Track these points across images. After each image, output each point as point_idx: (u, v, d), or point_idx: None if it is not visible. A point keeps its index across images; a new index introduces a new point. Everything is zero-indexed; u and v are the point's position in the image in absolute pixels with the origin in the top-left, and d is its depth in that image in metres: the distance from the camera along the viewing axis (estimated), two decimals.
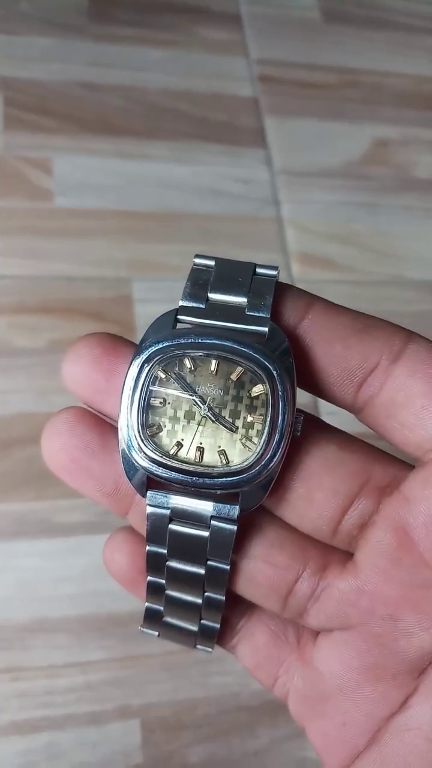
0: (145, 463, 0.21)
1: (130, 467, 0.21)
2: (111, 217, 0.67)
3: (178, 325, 0.21)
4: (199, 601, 0.23)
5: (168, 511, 0.21)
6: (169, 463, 0.21)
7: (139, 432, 0.21)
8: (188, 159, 0.72)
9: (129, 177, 0.70)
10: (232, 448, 0.21)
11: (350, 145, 0.78)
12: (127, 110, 0.73)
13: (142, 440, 0.21)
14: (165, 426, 0.21)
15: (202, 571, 0.22)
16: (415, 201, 0.76)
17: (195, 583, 0.22)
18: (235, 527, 0.21)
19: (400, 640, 0.21)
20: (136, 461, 0.21)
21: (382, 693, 0.21)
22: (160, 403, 0.21)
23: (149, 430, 0.21)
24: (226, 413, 0.21)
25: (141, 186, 0.69)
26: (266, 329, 0.21)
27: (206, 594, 0.23)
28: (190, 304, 0.21)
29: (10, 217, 0.65)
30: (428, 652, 0.21)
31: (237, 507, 0.21)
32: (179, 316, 0.21)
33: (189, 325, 0.21)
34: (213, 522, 0.21)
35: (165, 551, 0.22)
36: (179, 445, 0.21)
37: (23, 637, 0.51)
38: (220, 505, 0.21)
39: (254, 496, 0.21)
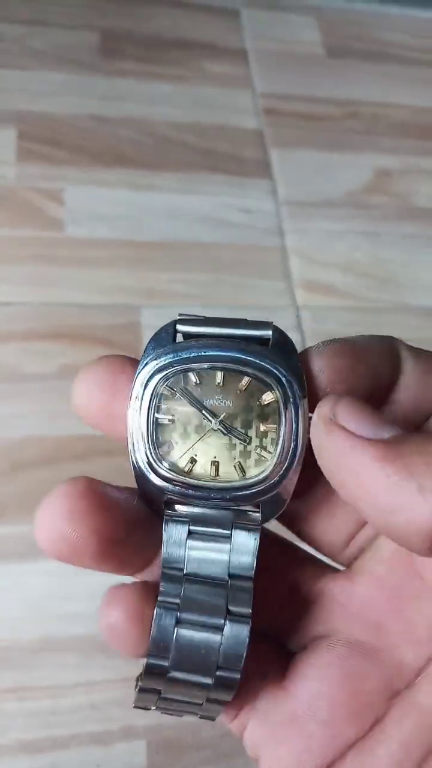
0: (161, 483, 0.20)
1: (146, 487, 0.21)
2: (120, 246, 0.69)
3: (179, 337, 0.21)
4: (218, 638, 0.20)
5: (186, 526, 0.21)
6: (186, 481, 0.20)
7: (151, 452, 0.20)
8: (195, 190, 0.74)
9: (138, 207, 0.72)
10: (247, 459, 0.20)
11: (352, 175, 0.80)
12: (136, 142, 0.76)
13: (155, 460, 0.20)
14: (176, 443, 0.20)
15: (223, 602, 0.20)
16: (416, 229, 0.78)
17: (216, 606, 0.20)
18: (258, 533, 0.20)
19: (381, 652, 0.21)
20: (152, 482, 0.20)
21: (354, 712, 0.21)
22: (169, 420, 0.20)
23: (161, 449, 0.20)
24: (237, 424, 0.20)
25: (149, 216, 0.72)
26: (269, 332, 0.20)
27: (230, 613, 0.20)
28: (190, 315, 0.21)
29: (23, 246, 0.67)
30: (408, 671, 0.21)
31: (259, 514, 0.21)
32: (178, 327, 0.21)
33: (189, 337, 0.21)
34: (235, 530, 0.20)
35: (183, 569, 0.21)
36: (193, 461, 0.20)
37: (30, 656, 0.51)
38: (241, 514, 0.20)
39: (275, 506, 0.20)
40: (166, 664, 0.20)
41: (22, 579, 0.54)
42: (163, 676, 0.20)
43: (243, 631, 0.19)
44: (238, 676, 0.20)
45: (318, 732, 0.21)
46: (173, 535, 0.21)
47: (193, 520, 0.21)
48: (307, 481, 0.21)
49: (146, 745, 0.50)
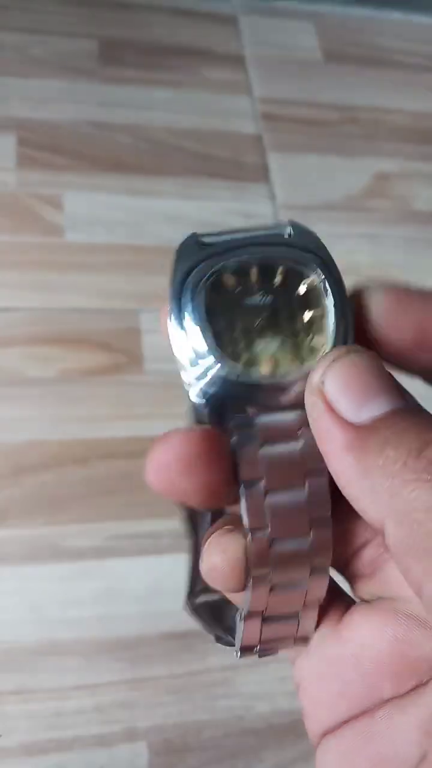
0: (233, 391, 0.19)
1: (205, 397, 0.20)
2: (120, 251, 0.70)
3: (203, 244, 0.20)
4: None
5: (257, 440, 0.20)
6: (248, 380, 0.19)
7: (217, 358, 0.19)
8: (194, 195, 0.75)
9: (137, 212, 0.72)
10: (301, 351, 0.20)
11: (351, 179, 0.80)
12: (136, 148, 0.77)
13: (222, 367, 0.19)
14: (234, 346, 0.20)
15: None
16: (415, 232, 0.78)
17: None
18: None
19: None
20: (212, 389, 0.19)
21: (396, 673, 0.21)
22: (220, 327, 0.20)
23: (225, 353, 0.20)
24: (283, 318, 0.20)
25: (148, 221, 0.72)
26: (288, 228, 0.20)
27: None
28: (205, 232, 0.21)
29: (23, 252, 0.67)
30: None
31: None
32: (197, 234, 0.20)
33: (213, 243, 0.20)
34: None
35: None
36: (250, 361, 0.20)
37: (33, 659, 0.52)
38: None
39: None
40: (267, 531, 0.19)
41: (24, 582, 0.54)
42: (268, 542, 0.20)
43: (322, 480, 0.19)
44: (328, 513, 0.19)
45: (356, 681, 0.21)
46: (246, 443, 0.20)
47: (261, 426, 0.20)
48: None
49: (148, 746, 0.50)
